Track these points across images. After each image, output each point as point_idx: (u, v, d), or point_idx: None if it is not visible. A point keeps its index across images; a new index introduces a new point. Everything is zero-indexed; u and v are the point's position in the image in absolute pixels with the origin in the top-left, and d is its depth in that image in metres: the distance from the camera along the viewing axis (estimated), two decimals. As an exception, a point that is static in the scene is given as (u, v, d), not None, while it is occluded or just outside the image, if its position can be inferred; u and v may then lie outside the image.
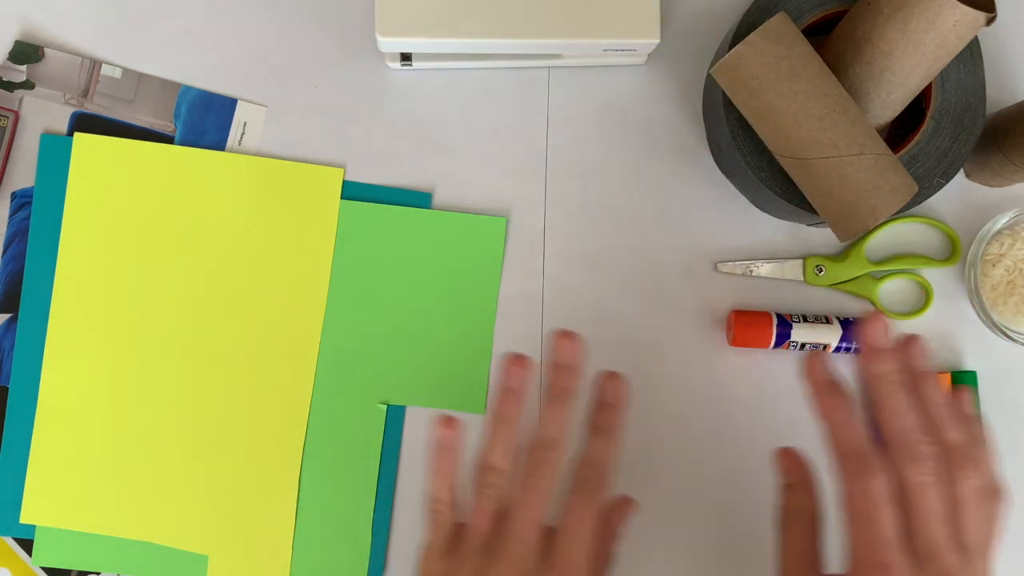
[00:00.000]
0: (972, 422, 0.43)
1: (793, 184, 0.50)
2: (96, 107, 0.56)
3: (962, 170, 0.56)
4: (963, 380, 0.54)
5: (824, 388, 0.42)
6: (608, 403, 0.44)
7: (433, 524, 0.44)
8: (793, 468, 0.45)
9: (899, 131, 0.52)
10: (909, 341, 0.43)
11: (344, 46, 0.56)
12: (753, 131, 0.49)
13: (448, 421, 0.45)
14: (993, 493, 0.41)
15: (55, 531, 0.55)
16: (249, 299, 0.55)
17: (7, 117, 0.55)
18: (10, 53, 0.56)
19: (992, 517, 0.41)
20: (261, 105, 0.56)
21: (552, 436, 0.42)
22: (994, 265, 0.54)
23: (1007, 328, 0.54)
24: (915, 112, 0.51)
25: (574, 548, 0.40)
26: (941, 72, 0.49)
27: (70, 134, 0.56)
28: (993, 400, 0.55)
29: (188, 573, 0.55)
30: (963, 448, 0.41)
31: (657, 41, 0.51)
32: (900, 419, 0.40)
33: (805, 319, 0.54)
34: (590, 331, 0.56)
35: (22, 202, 0.56)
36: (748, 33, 0.48)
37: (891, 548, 0.39)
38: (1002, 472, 0.42)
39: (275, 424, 0.55)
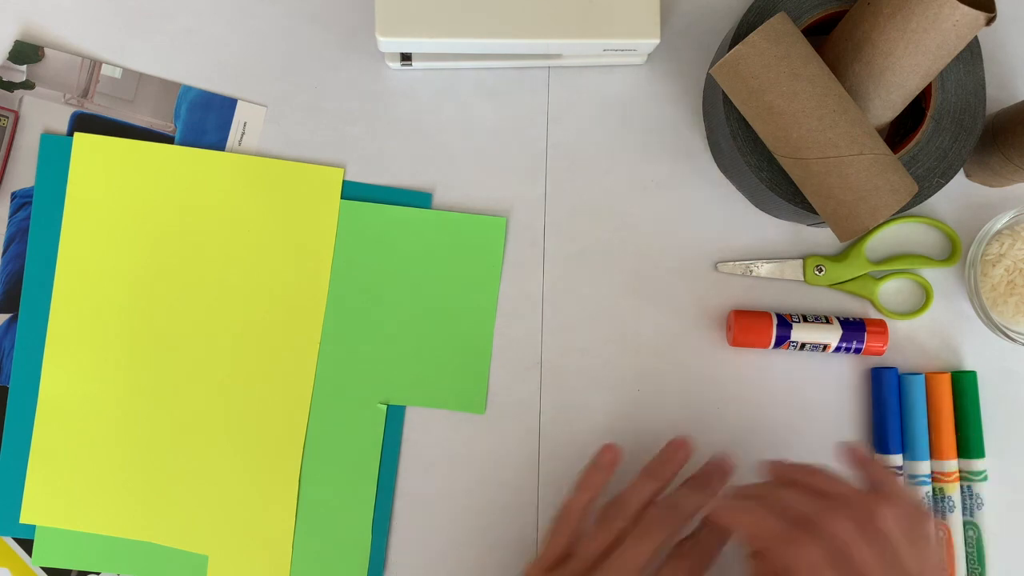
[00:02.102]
0: (867, 465, 0.45)
1: (793, 184, 0.50)
2: (96, 107, 0.56)
3: (962, 170, 0.56)
4: (963, 380, 0.54)
5: (728, 506, 0.43)
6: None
7: (552, 535, 0.48)
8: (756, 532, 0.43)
9: (899, 131, 0.52)
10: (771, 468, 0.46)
11: (344, 46, 0.56)
12: (753, 131, 0.49)
13: (613, 448, 0.51)
14: (917, 517, 0.42)
15: (55, 531, 0.55)
16: (249, 299, 0.55)
17: (7, 117, 0.55)
18: (10, 53, 0.56)
19: (924, 539, 0.41)
20: (261, 105, 0.56)
21: (685, 508, 0.46)
22: (994, 265, 0.54)
23: (1007, 328, 0.54)
24: (915, 112, 0.51)
25: None
26: (941, 72, 0.49)
27: (70, 134, 0.56)
28: (993, 400, 0.55)
29: (188, 573, 0.55)
30: (862, 496, 0.42)
31: (657, 41, 0.51)
32: (798, 508, 0.41)
33: (805, 319, 0.54)
34: (590, 331, 0.56)
35: (22, 202, 0.56)
36: (748, 33, 0.48)
37: None
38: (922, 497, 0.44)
39: (275, 424, 0.55)
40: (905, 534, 0.41)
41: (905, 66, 0.45)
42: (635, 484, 0.48)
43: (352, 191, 0.56)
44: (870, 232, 0.55)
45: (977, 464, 0.54)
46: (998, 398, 0.56)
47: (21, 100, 0.56)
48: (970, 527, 0.54)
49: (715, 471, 0.49)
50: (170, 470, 0.55)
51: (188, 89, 0.56)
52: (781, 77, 0.46)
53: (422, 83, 0.56)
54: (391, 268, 0.55)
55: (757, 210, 0.56)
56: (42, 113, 0.56)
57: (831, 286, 0.56)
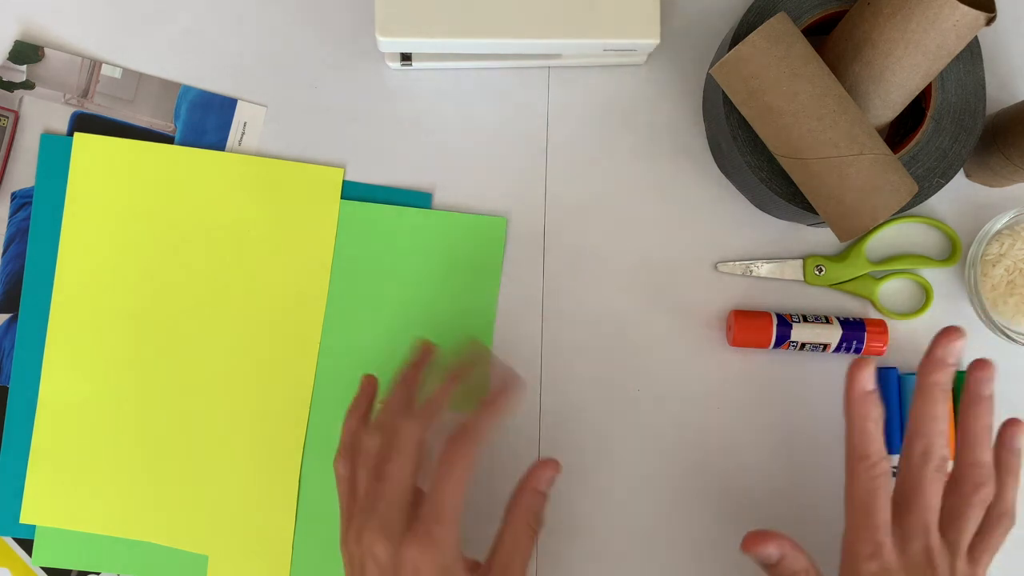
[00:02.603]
0: (1012, 454, 0.45)
1: (793, 184, 0.50)
2: (96, 107, 0.56)
3: (962, 170, 0.56)
4: (963, 380, 0.54)
5: (862, 398, 0.44)
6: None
7: (337, 481, 0.48)
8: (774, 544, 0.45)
9: (899, 131, 0.52)
10: (980, 365, 0.44)
11: (344, 46, 0.56)
12: (753, 131, 0.49)
13: (369, 379, 0.51)
14: (1003, 517, 0.43)
15: (55, 531, 0.55)
16: (249, 299, 0.55)
17: (7, 117, 0.55)
18: (10, 53, 0.56)
19: (993, 535, 0.42)
20: (261, 105, 0.56)
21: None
22: (994, 265, 0.54)
23: (1007, 328, 0.54)
24: (915, 112, 0.51)
25: (445, 496, 0.44)
26: (941, 72, 0.49)
27: (70, 134, 0.56)
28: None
29: (188, 573, 0.55)
30: (988, 468, 0.43)
31: (657, 41, 0.51)
32: (933, 423, 0.42)
33: (805, 319, 0.54)
34: (590, 331, 0.56)
35: (22, 202, 0.56)
36: (748, 33, 0.48)
37: (883, 530, 0.42)
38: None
39: (275, 424, 0.55)
40: (978, 517, 0.44)
41: (905, 66, 0.45)
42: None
43: (352, 191, 0.56)
44: (870, 232, 0.55)
45: (977, 464, 0.54)
46: (998, 398, 0.55)
47: (21, 100, 0.56)
48: (970, 527, 0.54)
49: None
50: (170, 470, 0.55)
51: (188, 89, 0.56)
52: (781, 77, 0.46)
53: (422, 83, 0.56)
54: (391, 268, 0.55)
55: (757, 210, 0.56)
56: (42, 113, 0.56)
57: (831, 286, 0.56)
